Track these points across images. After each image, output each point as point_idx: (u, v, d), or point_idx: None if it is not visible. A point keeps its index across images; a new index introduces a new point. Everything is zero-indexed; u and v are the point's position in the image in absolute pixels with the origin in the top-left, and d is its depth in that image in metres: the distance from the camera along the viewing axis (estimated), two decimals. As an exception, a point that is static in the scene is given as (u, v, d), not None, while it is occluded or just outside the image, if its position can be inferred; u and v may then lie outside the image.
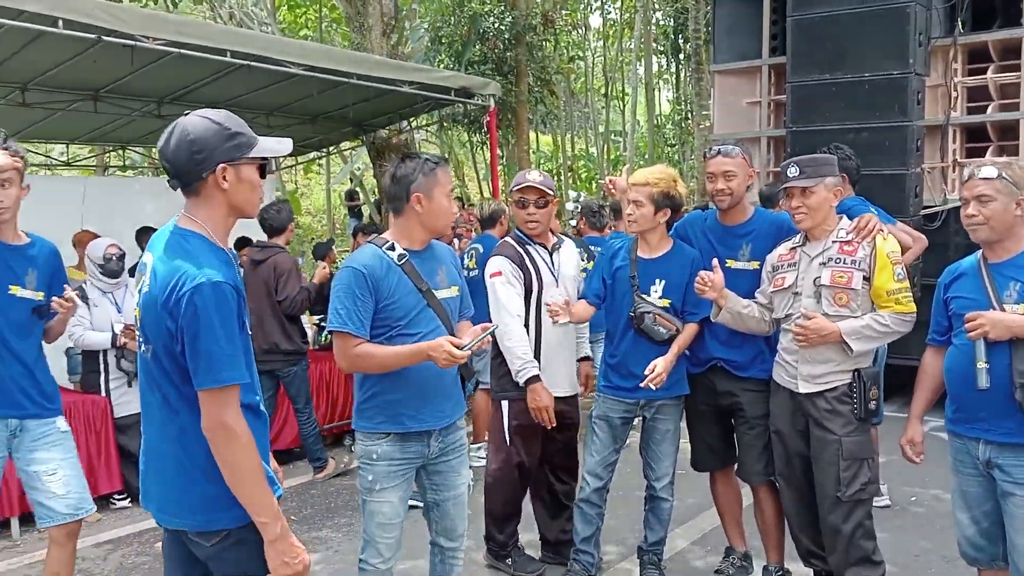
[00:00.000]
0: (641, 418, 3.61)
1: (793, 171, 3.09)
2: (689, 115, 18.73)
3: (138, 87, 7.08)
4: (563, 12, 17.25)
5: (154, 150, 11.61)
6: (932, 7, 7.17)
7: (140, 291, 2.05)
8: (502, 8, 13.76)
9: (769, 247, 3.32)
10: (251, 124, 7.68)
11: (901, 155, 6.89)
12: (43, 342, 3.26)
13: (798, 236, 3.21)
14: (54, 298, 3.15)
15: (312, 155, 11.44)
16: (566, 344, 3.73)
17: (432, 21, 14.66)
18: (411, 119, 9.04)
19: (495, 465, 3.78)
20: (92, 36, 5.21)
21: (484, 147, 16.50)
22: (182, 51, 5.64)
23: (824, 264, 3.08)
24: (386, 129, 8.95)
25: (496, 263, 3.60)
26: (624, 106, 24.93)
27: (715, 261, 3.30)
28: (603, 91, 24.42)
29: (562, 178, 21.52)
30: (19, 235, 3.13)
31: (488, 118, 7.66)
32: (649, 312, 3.37)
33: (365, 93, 7.24)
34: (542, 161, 23.89)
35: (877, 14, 6.90)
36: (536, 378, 3.48)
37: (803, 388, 3.12)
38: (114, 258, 5.09)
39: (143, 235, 6.98)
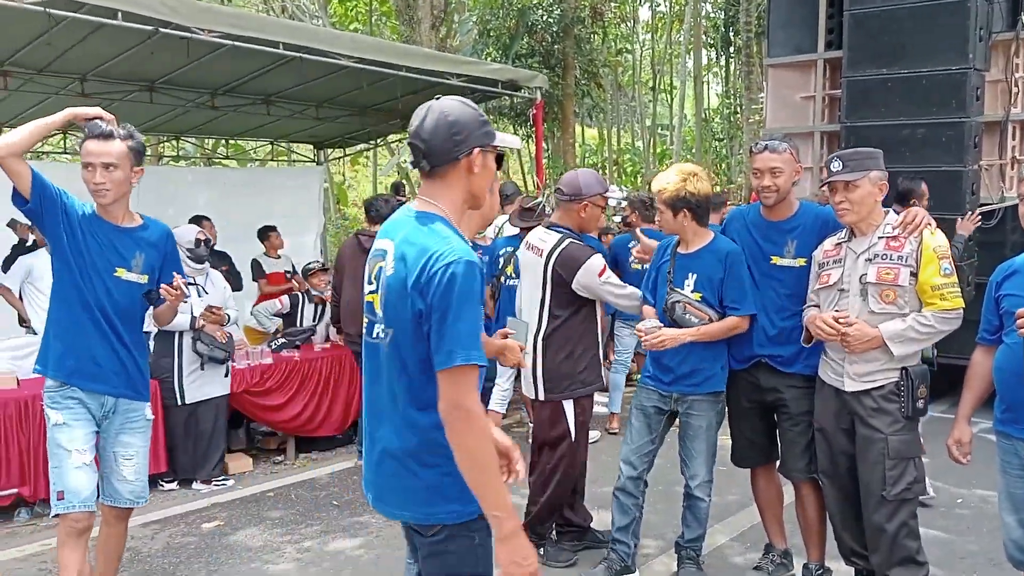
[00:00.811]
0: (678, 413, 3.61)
1: (836, 165, 3.05)
2: (738, 109, 18.48)
3: (193, 78, 7.24)
4: (612, 5, 17.14)
5: (206, 140, 11.86)
6: (994, 1, 6.98)
7: (377, 277, 2.04)
8: (550, 1, 13.75)
9: (815, 243, 3.27)
10: (302, 116, 7.89)
11: (958, 151, 6.74)
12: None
13: (844, 231, 3.16)
14: (163, 286, 3.13)
15: (360, 147, 11.54)
16: None
17: (480, 14, 14.69)
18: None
19: (565, 463, 3.80)
20: (149, 28, 5.35)
21: (530, 140, 16.47)
22: (236, 43, 5.76)
23: (870, 261, 3.02)
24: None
25: (601, 260, 3.67)
26: (672, 100, 24.71)
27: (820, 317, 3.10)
28: (650, 84, 24.22)
29: (607, 172, 21.42)
30: (132, 217, 3.15)
31: (534, 111, 7.67)
32: (680, 302, 3.40)
33: (413, 86, 7.30)
34: (587, 155, 23.79)
35: (936, 8, 6.75)
36: None
37: (849, 386, 3.07)
38: (203, 244, 5.20)
39: (196, 223, 7.15)
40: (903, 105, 6.96)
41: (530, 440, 3.99)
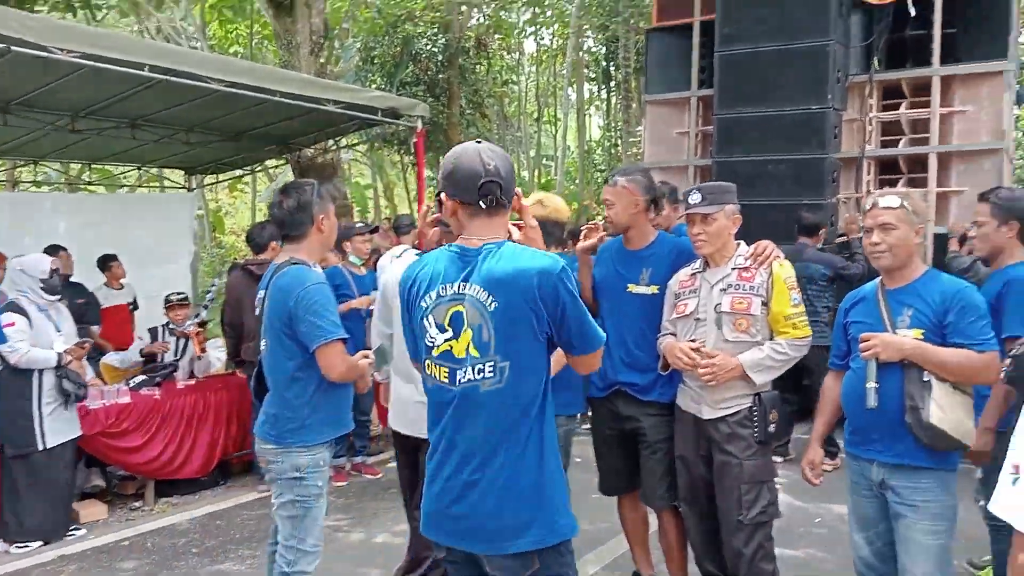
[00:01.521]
0: None
1: (695, 198, 3.14)
2: (618, 142, 19.00)
3: (51, 100, 6.83)
4: (496, 36, 17.38)
5: (70, 165, 11.22)
6: (850, 46, 7.46)
7: (453, 322, 2.06)
8: (435, 30, 13.81)
9: (669, 272, 3.36)
10: (171, 140, 7.52)
11: (818, 186, 7.13)
12: None
13: (699, 262, 3.26)
14: None
15: (235, 174, 11.17)
16: None
17: (364, 41, 14.60)
18: (338, 138, 8.95)
19: None
20: (1, 46, 5.01)
21: (415, 167, 16.45)
22: (97, 64, 5.47)
23: (724, 291, 3.13)
24: (312, 148, 8.83)
25: None
26: (556, 131, 25.16)
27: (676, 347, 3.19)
28: (535, 116, 24.60)
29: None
30: None
31: (416, 139, 7.63)
32: None
33: (290, 111, 7.13)
34: (475, 184, 23.72)
35: (799, 52, 7.16)
36: None
37: (707, 414, 3.15)
38: (56, 274, 4.83)
39: (51, 253, 6.73)
40: (768, 142, 7.32)
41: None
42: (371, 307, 5.49)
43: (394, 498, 4.98)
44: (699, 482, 3.23)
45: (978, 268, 5.22)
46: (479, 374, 2.04)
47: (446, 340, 2.08)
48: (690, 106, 8.61)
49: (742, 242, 3.24)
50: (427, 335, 2.11)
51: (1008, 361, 2.87)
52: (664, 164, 8.82)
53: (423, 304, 2.11)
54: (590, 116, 23.83)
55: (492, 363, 2.04)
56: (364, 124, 7.89)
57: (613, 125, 19.70)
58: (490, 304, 2.02)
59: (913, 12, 7.20)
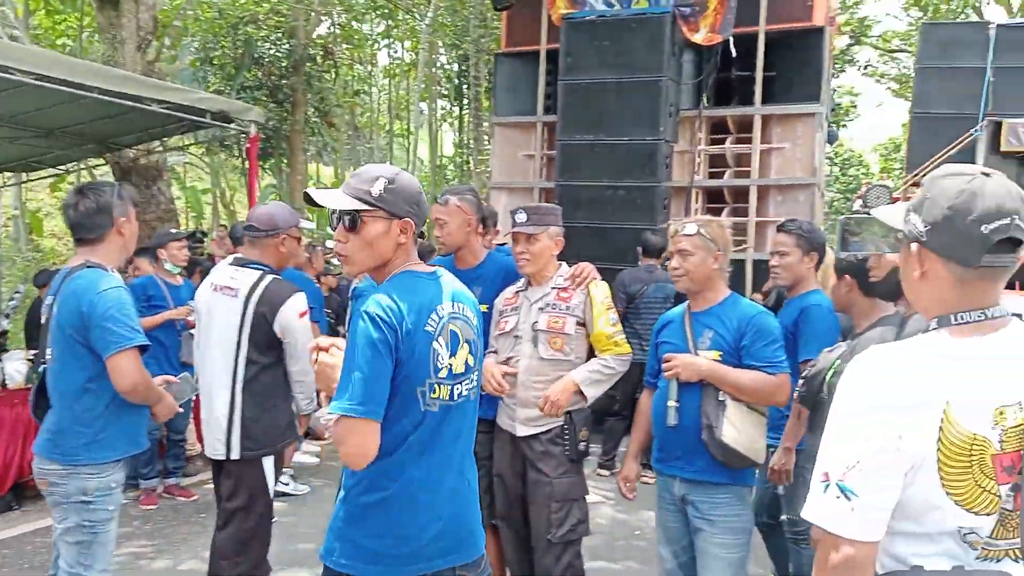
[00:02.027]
0: None
1: (521, 217, 3.17)
2: (470, 159, 19.14)
3: None
4: (344, 46, 17.09)
5: None
6: (682, 83, 7.85)
7: (450, 341, 2.06)
8: (279, 35, 13.40)
9: (497, 290, 3.38)
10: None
11: (650, 212, 7.42)
12: None
13: (522, 281, 3.29)
14: None
15: (49, 172, 10.29)
16: None
17: (203, 41, 13.95)
18: (163, 140, 8.45)
19: (265, 520, 3.54)
20: None
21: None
22: None
23: (542, 309, 3.17)
24: (134, 149, 8.28)
25: (304, 301, 3.53)
26: (409, 144, 25.10)
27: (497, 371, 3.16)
28: (386, 128, 24.44)
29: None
30: None
31: (248, 144, 7.32)
32: None
33: (109, 109, 6.66)
34: (323, 194, 23.24)
35: (634, 85, 7.47)
36: None
37: (521, 431, 3.16)
38: None
39: None
40: (607, 168, 7.56)
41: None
42: (188, 318, 5.18)
43: (206, 522, 4.71)
44: (515, 500, 3.23)
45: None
46: (471, 384, 2.14)
47: (449, 359, 2.11)
48: (536, 130, 8.80)
49: (564, 263, 3.29)
50: (439, 357, 2.05)
51: (801, 382, 3.05)
52: (511, 184, 8.96)
53: (428, 328, 2.03)
54: (443, 132, 23.91)
55: (477, 373, 2.18)
56: (193, 126, 7.49)
57: (465, 142, 19.84)
58: (473, 319, 2.17)
59: (734, 53, 7.68)
